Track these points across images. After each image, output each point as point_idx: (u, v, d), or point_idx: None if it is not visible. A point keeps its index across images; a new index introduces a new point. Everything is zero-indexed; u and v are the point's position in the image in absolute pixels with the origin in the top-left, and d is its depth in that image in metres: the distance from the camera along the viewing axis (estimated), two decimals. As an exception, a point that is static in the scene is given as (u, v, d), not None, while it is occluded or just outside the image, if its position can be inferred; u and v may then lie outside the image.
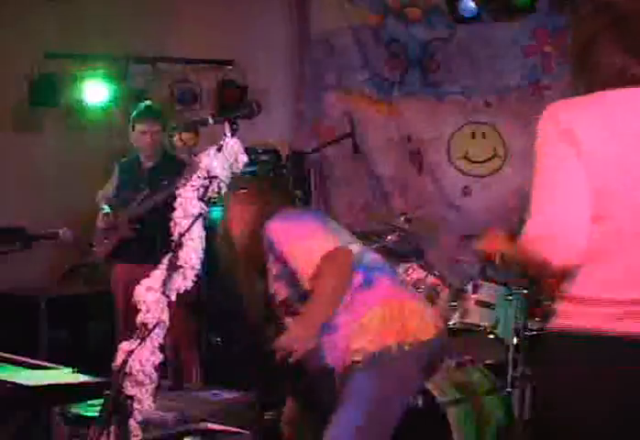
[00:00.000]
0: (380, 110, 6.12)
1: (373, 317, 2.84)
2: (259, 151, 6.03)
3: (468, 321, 4.36)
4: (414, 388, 2.98)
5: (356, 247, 2.97)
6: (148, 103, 5.56)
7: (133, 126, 5.36)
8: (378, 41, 6.12)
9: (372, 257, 3.04)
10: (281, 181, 3.51)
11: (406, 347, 2.80)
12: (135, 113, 5.45)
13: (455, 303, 4.47)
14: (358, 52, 6.20)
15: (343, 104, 6.24)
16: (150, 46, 6.84)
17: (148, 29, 7.08)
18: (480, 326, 4.32)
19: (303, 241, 2.92)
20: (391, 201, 6.00)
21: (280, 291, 3.03)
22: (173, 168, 4.98)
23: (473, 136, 5.72)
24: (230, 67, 6.56)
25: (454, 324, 4.40)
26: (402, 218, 4.78)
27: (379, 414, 2.83)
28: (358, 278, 2.88)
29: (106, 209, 5.29)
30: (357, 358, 2.85)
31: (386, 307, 2.85)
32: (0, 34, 7.32)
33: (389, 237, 4.79)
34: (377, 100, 6.13)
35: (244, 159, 2.46)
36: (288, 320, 2.98)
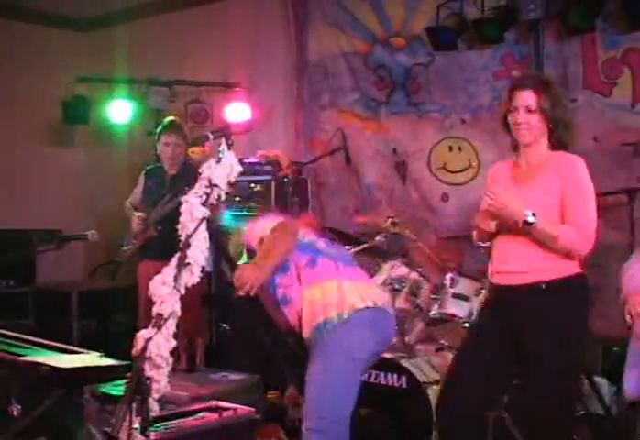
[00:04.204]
0: (369, 126, 6.11)
1: (315, 294, 3.01)
2: (263, 162, 6.08)
3: (445, 311, 4.35)
4: (367, 344, 3.04)
5: (311, 235, 3.17)
6: (172, 118, 5.51)
7: (158, 138, 5.35)
8: (367, 66, 6.10)
9: (323, 245, 3.19)
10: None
11: (345, 315, 2.96)
12: (160, 127, 5.44)
13: (435, 296, 4.48)
14: (349, 76, 6.20)
15: (336, 121, 6.22)
16: (168, 71, 6.88)
17: (167, 56, 7.12)
18: (456, 316, 4.31)
19: (259, 226, 3.12)
20: (378, 206, 6.00)
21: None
22: (192, 176, 4.98)
23: (450, 149, 5.70)
24: (238, 89, 6.60)
25: (434, 314, 4.39)
26: (389, 221, 4.76)
27: (339, 372, 2.97)
28: (305, 258, 3.07)
29: (141, 215, 5.26)
30: (307, 335, 3.04)
31: (325, 286, 3.02)
32: (38, 62, 7.39)
33: (377, 238, 4.79)
34: (366, 117, 6.12)
35: (239, 169, 2.50)
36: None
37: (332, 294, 3.03)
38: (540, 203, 3.00)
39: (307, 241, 3.15)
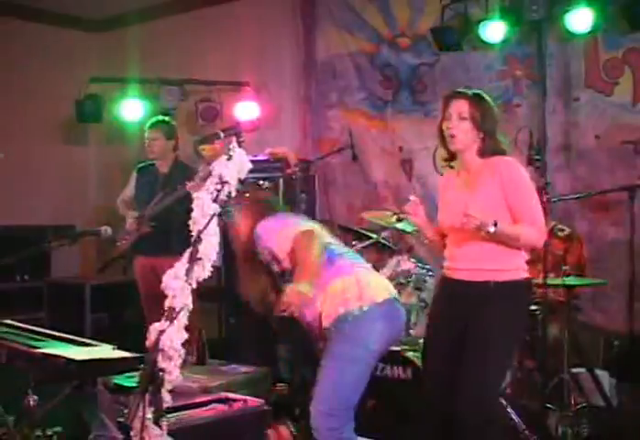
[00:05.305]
0: (376, 125, 6.13)
1: (336, 287, 3.13)
2: (271, 160, 6.08)
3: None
4: (383, 337, 3.15)
5: (325, 237, 3.28)
6: (159, 117, 5.55)
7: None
8: (373, 66, 6.13)
9: (336, 246, 3.32)
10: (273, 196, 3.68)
11: (365, 308, 3.08)
12: None
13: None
14: (356, 75, 6.22)
15: (343, 120, 6.25)
16: (179, 70, 6.89)
17: (178, 56, 7.13)
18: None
19: (278, 232, 3.22)
20: (384, 202, 6.01)
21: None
22: (184, 174, 4.97)
23: (455, 147, 5.71)
24: (247, 88, 6.61)
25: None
26: (395, 218, 4.77)
27: (355, 361, 3.06)
28: (323, 258, 3.16)
29: (136, 214, 5.27)
30: (326, 325, 3.13)
31: (344, 280, 3.14)
32: (52, 62, 7.42)
33: (383, 234, 4.79)
34: (372, 116, 6.14)
35: (249, 166, 2.50)
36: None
37: (352, 288, 3.13)
38: (485, 206, 3.13)
39: (324, 241, 3.26)
